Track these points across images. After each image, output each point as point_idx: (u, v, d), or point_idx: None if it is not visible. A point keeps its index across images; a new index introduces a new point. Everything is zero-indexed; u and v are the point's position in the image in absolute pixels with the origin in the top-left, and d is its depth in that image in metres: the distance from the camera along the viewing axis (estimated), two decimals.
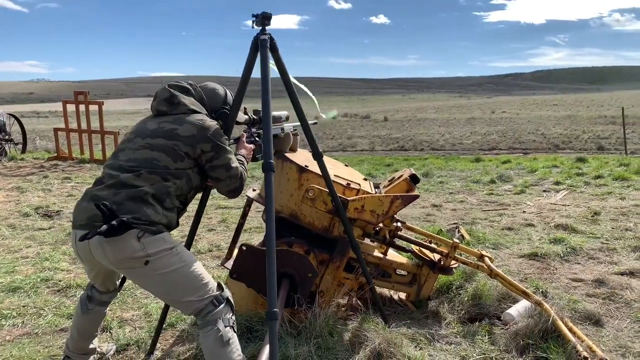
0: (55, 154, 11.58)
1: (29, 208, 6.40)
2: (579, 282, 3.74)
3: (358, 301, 3.13)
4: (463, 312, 3.14)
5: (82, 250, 1.97)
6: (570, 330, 2.66)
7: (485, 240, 4.75)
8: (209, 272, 4.02)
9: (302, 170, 2.80)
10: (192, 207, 2.49)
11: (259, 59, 2.24)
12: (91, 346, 2.45)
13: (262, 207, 3.28)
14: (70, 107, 11.35)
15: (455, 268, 3.30)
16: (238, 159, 2.30)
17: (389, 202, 2.76)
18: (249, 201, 3.20)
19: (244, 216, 3.26)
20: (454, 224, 5.49)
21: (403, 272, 3.35)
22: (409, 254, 3.36)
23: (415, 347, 2.72)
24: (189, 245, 2.54)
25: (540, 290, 3.41)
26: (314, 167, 2.72)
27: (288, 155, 2.89)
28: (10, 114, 12.36)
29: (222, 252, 4.51)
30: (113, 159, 2.13)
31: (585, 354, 2.46)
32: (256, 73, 2.32)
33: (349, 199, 2.73)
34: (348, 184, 2.85)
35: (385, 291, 3.44)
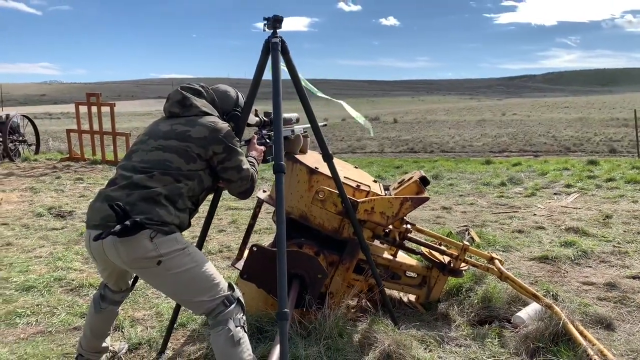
0: (68, 155, 11.72)
1: (42, 208, 6.48)
2: (590, 285, 3.72)
3: (368, 303, 3.14)
4: (473, 314, 3.13)
5: (96, 250, 2.01)
6: (581, 333, 2.65)
7: (496, 243, 4.74)
8: (220, 273, 4.09)
9: (312, 171, 2.81)
10: (204, 208, 2.52)
11: (270, 61, 2.26)
12: (104, 345, 2.49)
13: (272, 209, 3.30)
14: (83, 109, 11.47)
15: (465, 270, 3.30)
16: (249, 161, 2.33)
17: (398, 204, 2.77)
18: (260, 202, 3.23)
19: (254, 217, 3.28)
20: (464, 226, 5.48)
21: (413, 274, 3.35)
22: (419, 256, 3.37)
23: (425, 349, 2.73)
24: (200, 245, 2.57)
25: (551, 293, 3.39)
26: (324, 168, 2.74)
27: (298, 157, 2.91)
28: (23, 116, 12.52)
29: (233, 253, 4.54)
30: (126, 160, 2.16)
31: (596, 357, 2.45)
32: (267, 75, 2.35)
33: (358, 200, 2.74)
34: (358, 186, 2.86)
35: (395, 293, 3.44)
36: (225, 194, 2.46)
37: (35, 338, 2.95)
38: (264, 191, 3.26)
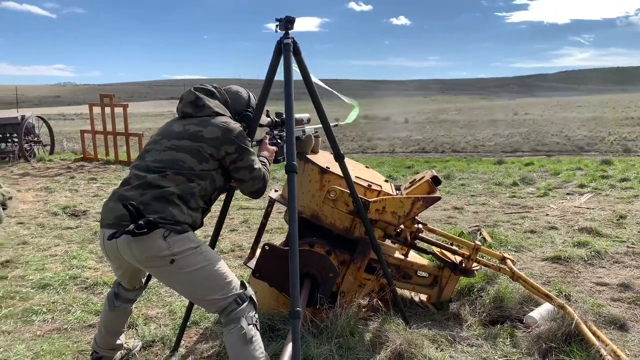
0: (82, 155, 11.86)
1: (57, 208, 6.58)
2: (604, 286, 3.69)
3: (379, 302, 3.15)
4: (484, 314, 3.13)
5: (110, 249, 2.04)
6: (594, 334, 2.63)
7: (508, 243, 4.71)
8: (232, 272, 4.12)
9: (324, 171, 2.83)
10: (216, 207, 2.54)
11: (282, 62, 2.28)
12: (118, 342, 2.53)
13: (283, 208, 3.32)
14: (96, 110, 11.61)
15: (476, 270, 3.29)
16: (260, 161, 2.35)
17: (410, 204, 2.77)
18: (271, 202, 3.25)
19: (266, 216, 3.31)
20: (476, 226, 5.46)
21: (424, 274, 3.35)
22: (430, 255, 3.37)
23: (436, 348, 2.73)
24: (213, 244, 2.60)
25: (564, 293, 3.38)
26: (335, 168, 2.76)
27: (310, 156, 2.93)
28: (38, 117, 12.69)
29: (244, 252, 4.57)
30: (139, 160, 2.19)
31: (609, 358, 2.44)
32: (279, 76, 2.36)
33: (370, 200, 2.75)
34: (369, 186, 2.87)
35: (406, 292, 3.44)
36: (238, 193, 2.49)
37: (51, 335, 3.00)
38: (276, 191, 3.28)
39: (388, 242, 3.20)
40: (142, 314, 3.24)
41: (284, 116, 2.24)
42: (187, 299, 2.46)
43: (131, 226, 1.86)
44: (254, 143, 2.46)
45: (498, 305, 3.17)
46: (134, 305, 2.59)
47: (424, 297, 3.40)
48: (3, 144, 11.78)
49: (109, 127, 11.50)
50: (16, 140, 11.46)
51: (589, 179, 8.29)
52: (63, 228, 5.64)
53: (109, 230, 1.99)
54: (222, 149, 2.16)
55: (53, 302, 3.44)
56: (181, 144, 2.14)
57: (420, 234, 3.16)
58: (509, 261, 3.28)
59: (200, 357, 2.71)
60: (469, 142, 20.51)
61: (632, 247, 4.58)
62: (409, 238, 3.11)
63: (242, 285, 2.19)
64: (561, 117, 36.18)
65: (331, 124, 2.63)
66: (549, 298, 2.96)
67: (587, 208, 6.31)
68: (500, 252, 3.46)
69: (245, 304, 2.13)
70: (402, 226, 3.05)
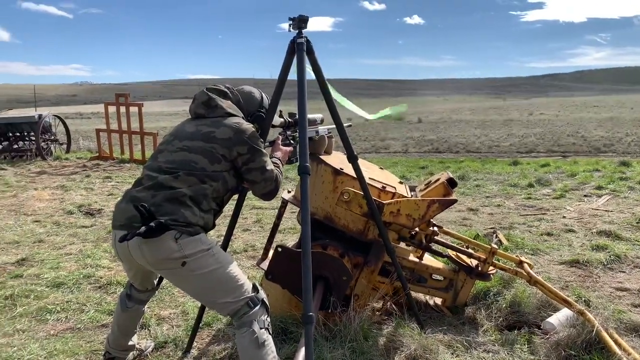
0: (97, 154, 11.97)
1: (72, 206, 6.64)
2: (624, 291, 3.60)
3: (393, 306, 3.10)
4: (501, 319, 3.06)
5: (122, 251, 2.03)
6: (615, 342, 2.55)
7: (524, 246, 4.63)
8: (245, 272, 4.08)
9: (337, 172, 2.79)
10: (229, 207, 2.52)
11: (295, 61, 2.25)
12: (130, 343, 2.52)
13: (296, 209, 3.29)
14: (112, 109, 11.70)
15: (492, 274, 3.23)
16: (273, 162, 2.32)
17: (425, 206, 2.73)
18: (284, 203, 3.22)
19: (279, 217, 3.28)
20: (491, 228, 5.38)
21: (439, 277, 3.30)
22: (446, 258, 3.31)
23: (452, 354, 2.68)
24: (225, 245, 2.58)
25: (583, 299, 3.29)
26: (349, 169, 2.72)
27: (323, 157, 2.90)
28: (55, 116, 12.84)
29: (257, 252, 4.56)
30: (152, 160, 2.18)
31: None
32: (292, 76, 2.33)
33: (384, 202, 2.71)
34: (383, 187, 2.83)
35: (421, 296, 3.39)
36: (251, 194, 2.47)
37: (65, 334, 3.01)
38: (289, 191, 3.25)
39: (402, 244, 3.16)
40: (155, 315, 3.24)
41: (297, 117, 2.21)
42: (198, 301, 2.44)
43: (142, 228, 1.84)
44: (267, 144, 2.43)
45: (515, 310, 3.10)
46: (146, 306, 2.58)
47: (439, 300, 3.35)
48: (21, 142, 11.95)
49: (124, 126, 11.59)
50: (33, 138, 11.60)
51: (607, 180, 8.13)
52: (78, 226, 5.68)
53: (121, 232, 1.97)
54: (234, 149, 2.13)
55: (67, 301, 3.45)
56: (193, 144, 2.12)
57: (435, 237, 3.11)
58: (526, 265, 3.21)
59: (213, 359, 2.69)
60: (483, 143, 20.32)
61: None
62: (423, 241, 3.06)
63: (254, 288, 2.16)
64: (577, 117, 35.67)
65: (344, 124, 2.59)
66: (567, 303, 2.88)
67: (605, 210, 6.18)
68: (517, 256, 3.39)
69: (257, 307, 2.10)
70: (416, 229, 2.99)
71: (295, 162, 2.45)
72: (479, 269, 3.16)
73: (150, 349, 2.74)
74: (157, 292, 2.82)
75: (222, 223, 4.48)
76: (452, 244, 3.28)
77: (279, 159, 2.40)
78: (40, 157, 11.42)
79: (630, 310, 3.23)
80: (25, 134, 11.88)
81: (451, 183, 2.97)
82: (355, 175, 2.63)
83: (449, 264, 3.33)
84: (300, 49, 2.23)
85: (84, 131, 25.42)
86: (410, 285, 3.02)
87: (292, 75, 2.32)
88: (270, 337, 2.13)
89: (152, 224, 1.86)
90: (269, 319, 2.15)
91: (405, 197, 2.84)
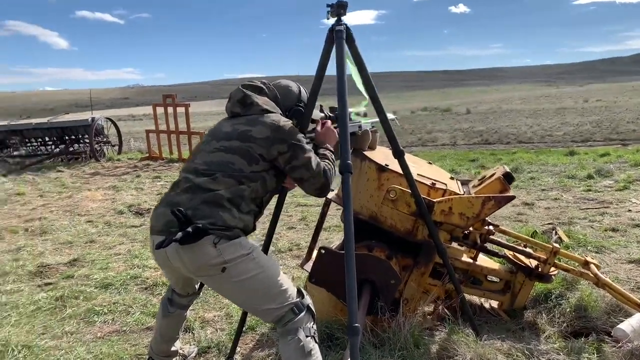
0: (147, 155, 12.28)
1: (123, 206, 6.79)
2: None
3: (445, 310, 2.91)
4: (565, 325, 2.82)
5: (160, 257, 1.96)
6: None
7: (587, 243, 4.29)
8: (289, 272, 4.01)
9: (382, 169, 2.63)
10: (270, 208, 2.41)
11: (335, 51, 2.09)
12: (173, 349, 2.46)
13: (341, 207, 3.15)
14: (160, 110, 11.96)
15: (554, 275, 2.98)
16: (322, 153, 2.18)
17: (480, 204, 2.52)
18: (327, 202, 3.09)
19: (322, 217, 3.15)
20: (550, 224, 5.05)
21: (495, 279, 3.08)
22: (502, 259, 3.08)
23: None
24: (266, 249, 2.47)
25: None
26: (394, 165, 2.55)
27: (367, 153, 2.73)
28: (107, 118, 13.28)
29: (302, 251, 4.46)
30: (189, 162, 2.10)
31: None
32: (331, 70, 2.18)
33: (434, 200, 2.52)
34: (433, 184, 2.64)
35: (475, 299, 3.18)
36: (296, 190, 2.34)
37: (111, 337, 3.01)
38: (332, 189, 3.11)
39: (455, 244, 2.95)
40: (199, 317, 3.20)
41: (338, 110, 2.06)
42: (241, 308, 2.34)
43: (178, 234, 1.76)
44: (307, 140, 2.30)
45: (581, 315, 2.84)
46: (190, 308, 2.52)
47: (495, 303, 3.12)
48: (76, 145, 12.44)
49: (172, 127, 11.82)
50: (87, 141, 12.03)
51: None
52: (128, 226, 5.79)
53: (159, 237, 1.89)
54: (273, 148, 2.02)
55: (114, 303, 3.47)
56: (230, 144, 2.02)
57: (490, 236, 2.88)
58: (592, 266, 2.94)
59: None
60: (536, 132, 19.45)
61: None
62: (478, 241, 2.84)
63: (299, 293, 2.04)
64: (637, 103, 33.59)
65: (389, 117, 2.41)
66: None
67: None
68: (582, 256, 3.11)
69: (302, 313, 1.98)
70: (470, 228, 2.79)
71: (336, 159, 2.30)
72: (539, 269, 2.92)
73: (193, 355, 2.69)
74: (201, 293, 2.76)
75: (265, 221, 4.42)
76: (509, 244, 3.04)
77: (328, 149, 2.24)
78: (94, 158, 11.83)
79: None
80: (80, 136, 12.34)
81: (508, 178, 2.74)
82: (401, 172, 2.46)
83: (505, 264, 3.10)
84: (339, 37, 2.06)
85: (136, 132, 26.26)
86: (463, 288, 2.82)
87: (332, 70, 2.15)
88: (316, 345, 2.00)
89: (189, 229, 1.77)
90: (315, 326, 2.02)
91: (458, 194, 2.64)
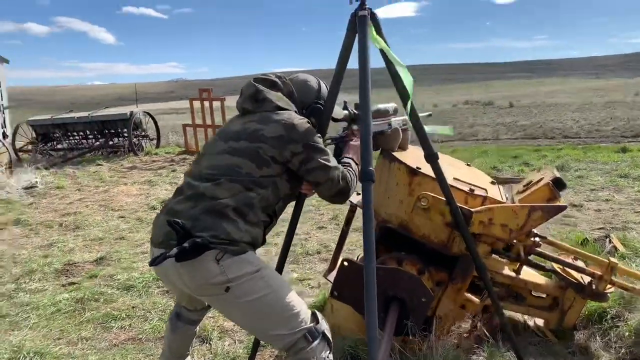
0: (185, 148, 12.32)
1: (156, 201, 6.75)
2: None
3: (484, 329, 2.60)
4: (623, 350, 2.48)
5: (160, 273, 1.77)
6: None
7: None
8: (316, 277, 3.78)
9: (414, 172, 2.35)
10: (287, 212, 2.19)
11: (357, 40, 1.82)
12: None
13: None
14: (197, 104, 11.97)
15: (609, 293, 2.63)
16: (344, 162, 1.95)
17: (525, 214, 2.21)
18: (352, 207, 2.84)
19: (347, 223, 2.92)
20: (601, 228, 4.62)
21: (541, 295, 2.75)
22: (549, 272, 2.75)
23: None
24: (280, 267, 2.22)
25: None
26: (427, 168, 2.26)
27: (397, 154, 2.46)
28: (145, 112, 13.42)
29: (331, 254, 4.22)
30: (194, 165, 1.90)
31: None
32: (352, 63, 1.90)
33: (472, 210, 2.22)
34: (471, 190, 2.34)
35: (518, 316, 2.86)
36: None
37: (126, 345, 2.88)
38: (358, 194, 2.85)
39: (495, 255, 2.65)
40: (218, 326, 3.02)
41: (360, 107, 1.80)
42: (248, 333, 2.12)
43: (173, 250, 1.56)
44: (328, 141, 2.06)
45: None
46: (209, 315, 2.33)
47: (540, 321, 2.80)
48: (115, 139, 12.62)
49: (209, 121, 11.81)
50: (126, 135, 12.19)
51: None
52: None
53: (158, 250, 1.70)
54: (287, 149, 1.79)
55: (133, 307, 3.35)
56: (238, 145, 1.80)
57: (537, 249, 2.55)
58: None
59: None
60: (582, 127, 18.44)
61: None
62: (522, 254, 2.52)
63: (314, 317, 1.81)
64: None
65: (420, 115, 2.13)
66: None
67: None
68: None
69: (316, 341, 1.75)
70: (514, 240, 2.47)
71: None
72: (593, 286, 2.58)
73: None
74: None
75: (283, 223, 4.23)
76: (558, 257, 2.70)
77: (351, 159, 2.02)
78: (132, 152, 11.96)
79: None
80: (119, 130, 12.50)
81: (558, 184, 2.40)
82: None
83: (553, 278, 2.78)
84: (362, 23, 1.79)
85: (177, 126, 26.65)
86: (505, 304, 2.52)
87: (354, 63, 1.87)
88: None
89: (185, 244, 1.56)
90: (331, 357, 1.79)
91: (500, 202, 2.34)
